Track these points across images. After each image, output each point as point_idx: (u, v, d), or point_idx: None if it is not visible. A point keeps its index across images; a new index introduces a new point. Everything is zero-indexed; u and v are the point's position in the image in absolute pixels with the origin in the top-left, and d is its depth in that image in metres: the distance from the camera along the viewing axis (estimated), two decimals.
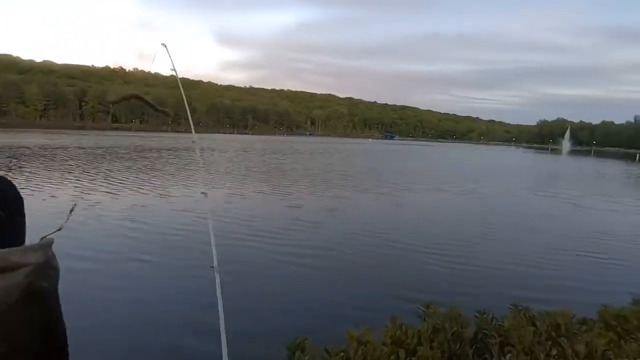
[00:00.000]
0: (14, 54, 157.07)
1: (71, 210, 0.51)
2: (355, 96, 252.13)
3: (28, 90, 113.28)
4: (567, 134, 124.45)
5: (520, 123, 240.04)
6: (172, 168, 20.31)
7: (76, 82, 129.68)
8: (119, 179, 14.99)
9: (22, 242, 0.44)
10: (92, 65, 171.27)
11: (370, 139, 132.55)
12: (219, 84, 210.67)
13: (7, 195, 0.44)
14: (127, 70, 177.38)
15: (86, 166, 18.97)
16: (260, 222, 8.88)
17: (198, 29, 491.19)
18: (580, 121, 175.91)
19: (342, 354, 2.40)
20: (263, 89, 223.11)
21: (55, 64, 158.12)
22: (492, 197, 15.72)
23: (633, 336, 2.88)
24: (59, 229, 0.40)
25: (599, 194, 18.74)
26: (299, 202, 12.21)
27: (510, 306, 4.30)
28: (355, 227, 9.18)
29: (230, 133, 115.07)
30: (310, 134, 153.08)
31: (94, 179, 14.70)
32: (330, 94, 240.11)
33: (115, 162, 21.78)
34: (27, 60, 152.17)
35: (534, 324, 3.79)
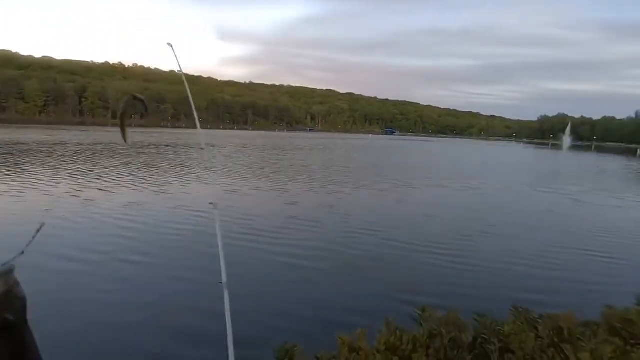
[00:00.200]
0: (13, 50, 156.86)
1: (37, 231, 0.46)
2: (356, 91, 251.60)
3: (28, 86, 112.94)
4: (568, 129, 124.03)
5: (521, 118, 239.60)
6: (168, 165, 20.17)
7: (76, 78, 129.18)
8: (116, 176, 14.85)
9: None
10: (92, 61, 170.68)
11: (370, 135, 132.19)
12: (219, 79, 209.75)
13: None
14: (126, 66, 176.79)
15: (83, 162, 18.83)
16: (256, 221, 8.73)
17: (198, 24, 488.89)
18: (581, 116, 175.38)
19: None
20: (263, 84, 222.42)
21: (55, 59, 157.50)
22: (493, 194, 15.57)
23: None
24: (21, 253, 0.38)
25: (600, 189, 18.59)
26: (296, 199, 12.07)
27: (511, 308, 4.17)
28: (353, 225, 9.03)
29: (230, 129, 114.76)
30: (310, 130, 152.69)
31: (89, 176, 14.55)
32: (330, 90, 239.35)
33: (114, 158, 21.62)
34: (27, 55, 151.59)
35: (535, 328, 3.64)
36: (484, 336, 3.41)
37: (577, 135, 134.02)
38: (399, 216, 10.56)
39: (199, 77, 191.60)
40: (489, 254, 7.31)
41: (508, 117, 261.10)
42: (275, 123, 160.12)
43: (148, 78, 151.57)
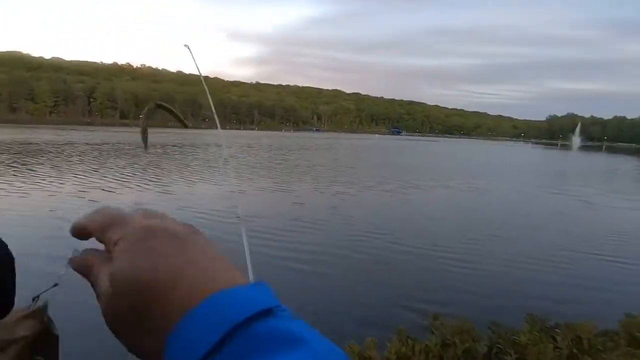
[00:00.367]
0: (24, 51, 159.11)
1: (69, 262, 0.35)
2: (362, 91, 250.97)
3: (38, 87, 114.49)
4: (578, 129, 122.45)
5: (529, 118, 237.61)
6: (173, 165, 20.19)
7: (85, 79, 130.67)
8: (121, 176, 14.88)
9: (10, 306, 0.37)
10: (101, 62, 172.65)
11: (376, 135, 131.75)
12: (225, 79, 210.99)
13: None
14: (134, 67, 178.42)
15: (90, 162, 18.93)
16: (257, 222, 8.60)
17: (206, 25, 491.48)
18: (591, 116, 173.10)
19: None
20: (269, 84, 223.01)
21: (64, 60, 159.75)
22: (501, 195, 15.30)
23: None
24: (55, 285, 0.33)
25: (612, 190, 18.22)
26: (301, 200, 11.96)
27: (526, 316, 4.00)
28: (358, 227, 8.89)
29: (237, 129, 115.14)
30: (316, 130, 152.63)
31: (95, 176, 14.60)
32: (336, 90, 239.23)
33: (120, 158, 21.73)
34: (37, 57, 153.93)
35: (553, 338, 3.48)
36: (500, 346, 3.26)
37: (587, 135, 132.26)
38: (405, 218, 10.40)
39: (206, 77, 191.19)
40: (499, 258, 7.12)
41: (515, 117, 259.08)
42: (281, 123, 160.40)
43: (156, 79, 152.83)
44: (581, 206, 13.86)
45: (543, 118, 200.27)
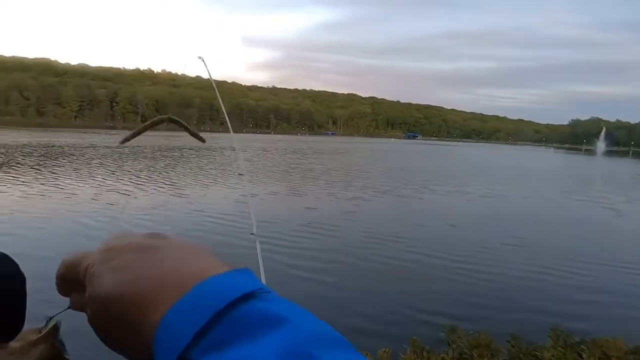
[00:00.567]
0: (52, 58, 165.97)
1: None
2: (378, 95, 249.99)
3: (64, 92, 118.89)
4: (602, 133, 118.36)
5: (551, 122, 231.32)
6: (190, 168, 20.46)
7: (108, 84, 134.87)
8: (137, 179, 15.15)
9: (19, 329, 0.36)
10: (123, 68, 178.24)
11: (392, 139, 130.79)
12: (243, 84, 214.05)
13: (3, 279, 0.36)
14: (155, 72, 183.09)
15: (109, 165, 19.38)
16: (271, 226, 8.53)
17: (224, 31, 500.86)
18: (617, 120, 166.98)
19: None
20: (286, 89, 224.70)
21: (89, 66, 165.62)
22: (522, 202, 14.81)
23: None
24: (69, 308, 0.33)
25: None
26: (314, 204, 11.87)
27: (549, 331, 3.77)
28: (372, 233, 8.71)
29: (253, 132, 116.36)
30: (332, 134, 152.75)
31: (112, 179, 14.92)
32: (352, 94, 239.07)
33: (137, 161, 22.18)
34: (64, 63, 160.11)
35: (579, 355, 3.25)
36: None
37: (612, 140, 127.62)
38: (420, 224, 10.14)
39: (224, 82, 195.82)
40: (520, 269, 6.81)
41: (537, 121, 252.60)
42: (297, 127, 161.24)
43: (175, 83, 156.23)
44: (608, 214, 13.27)
45: (566, 122, 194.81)
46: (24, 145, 29.85)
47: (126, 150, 29.27)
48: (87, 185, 12.95)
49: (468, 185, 18.15)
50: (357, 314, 4.82)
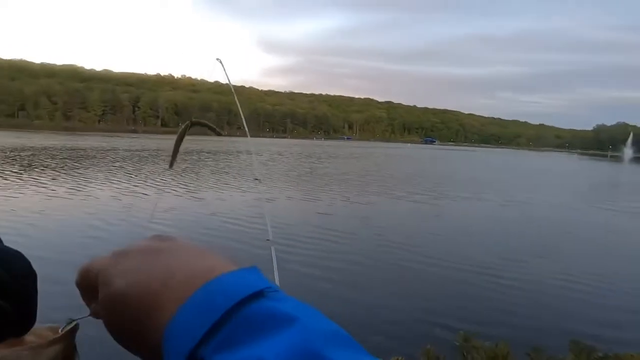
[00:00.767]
0: (78, 64, 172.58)
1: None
2: (395, 100, 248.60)
3: (90, 97, 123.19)
4: (630, 139, 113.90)
5: (574, 128, 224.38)
6: (208, 171, 20.75)
7: (131, 89, 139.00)
8: (155, 182, 15.47)
9: (31, 324, 0.37)
10: (145, 73, 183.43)
11: (409, 144, 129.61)
12: (260, 89, 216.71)
13: (16, 277, 0.36)
14: (175, 77, 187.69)
15: (129, 168, 19.88)
16: (285, 230, 8.53)
17: (241, 37, 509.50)
18: None
19: None
20: (302, 93, 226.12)
21: (113, 72, 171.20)
22: (543, 210, 14.34)
23: None
24: (90, 315, 0.33)
25: None
26: (328, 209, 11.81)
27: (570, 343, 3.60)
28: (387, 239, 8.60)
29: (270, 137, 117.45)
30: (348, 138, 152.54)
31: (132, 181, 15.27)
32: (368, 98, 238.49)
33: (157, 164, 22.66)
34: (89, 69, 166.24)
35: None
36: None
37: None
38: (436, 232, 9.93)
39: (242, 87, 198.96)
40: (540, 279, 6.57)
41: (559, 126, 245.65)
42: (313, 131, 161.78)
43: (195, 88, 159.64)
44: (636, 224, 12.70)
45: (590, 127, 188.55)
46: (50, 147, 31.02)
47: (145, 154, 30.00)
48: (107, 187, 13.31)
49: (487, 192, 17.74)
50: (370, 321, 4.74)
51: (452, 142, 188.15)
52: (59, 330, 0.36)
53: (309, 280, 5.85)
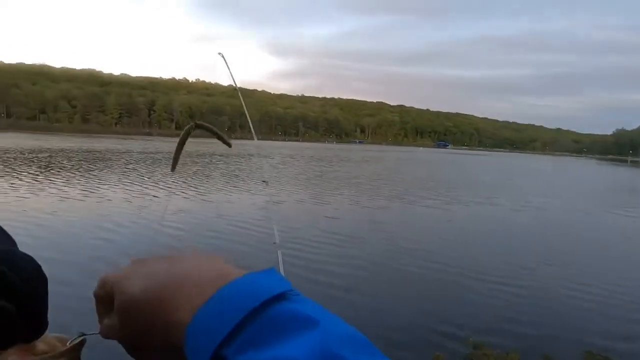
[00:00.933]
0: (97, 68, 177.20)
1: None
2: (407, 103, 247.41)
3: (107, 100, 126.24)
4: None
5: (592, 132, 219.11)
6: (219, 174, 20.89)
7: (146, 93, 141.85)
8: (167, 184, 15.63)
9: (43, 329, 0.37)
10: (160, 77, 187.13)
11: (421, 148, 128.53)
12: (272, 92, 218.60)
13: (26, 280, 0.36)
14: (190, 81, 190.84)
15: (142, 170, 20.17)
16: (293, 233, 8.46)
17: (255, 41, 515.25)
18: None
19: None
20: (314, 97, 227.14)
21: (130, 76, 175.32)
22: (558, 216, 13.94)
23: None
24: (99, 333, 0.34)
25: None
26: (338, 213, 11.70)
27: (584, 354, 3.44)
28: (397, 244, 8.45)
29: (281, 140, 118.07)
30: (359, 142, 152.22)
31: (146, 183, 15.47)
32: (380, 102, 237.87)
33: (169, 166, 22.90)
34: (107, 73, 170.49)
35: None
36: None
37: None
38: (448, 237, 9.72)
39: (254, 91, 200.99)
40: (553, 287, 6.33)
41: (577, 130, 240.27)
42: (324, 135, 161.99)
43: (209, 92, 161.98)
44: None
45: (609, 131, 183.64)
46: (67, 149, 31.79)
47: (159, 156, 30.44)
48: (119, 189, 13.50)
49: (501, 197, 17.37)
50: (379, 327, 4.62)
51: (466, 146, 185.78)
52: (67, 343, 0.36)
53: (315, 285, 5.76)
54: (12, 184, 13.20)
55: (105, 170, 18.94)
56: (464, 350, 3.82)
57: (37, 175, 15.75)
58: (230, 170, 23.04)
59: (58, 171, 17.50)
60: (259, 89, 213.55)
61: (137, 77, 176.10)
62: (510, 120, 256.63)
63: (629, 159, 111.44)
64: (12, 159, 21.33)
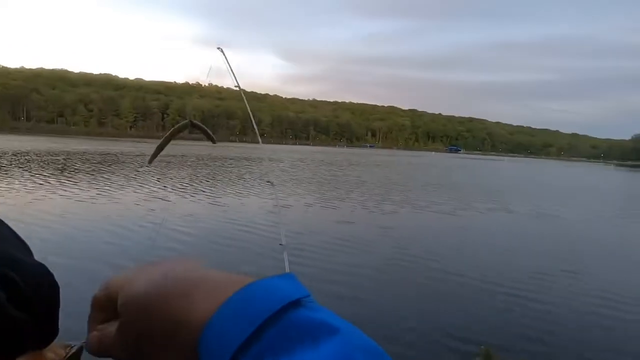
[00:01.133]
0: (113, 73, 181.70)
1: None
2: (419, 108, 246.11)
3: (122, 104, 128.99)
4: None
5: (610, 137, 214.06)
6: (229, 178, 21.02)
7: (160, 97, 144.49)
8: (176, 187, 15.77)
9: (54, 337, 0.37)
10: (174, 81, 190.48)
11: (433, 152, 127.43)
12: (283, 97, 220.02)
13: (39, 289, 0.37)
14: (203, 86, 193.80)
15: (155, 173, 20.42)
16: (301, 238, 8.40)
17: (264, 46, 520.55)
18: None
19: None
20: (325, 101, 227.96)
21: (144, 80, 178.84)
22: (576, 224, 13.55)
23: None
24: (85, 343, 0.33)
25: None
26: (348, 218, 11.59)
27: None
28: (407, 250, 8.30)
29: (293, 144, 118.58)
30: (370, 146, 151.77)
31: (156, 186, 15.64)
32: (392, 106, 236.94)
33: (181, 169, 23.22)
34: (123, 78, 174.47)
35: None
36: None
37: None
38: (459, 244, 9.51)
39: (266, 95, 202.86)
40: (569, 297, 6.11)
41: (593, 135, 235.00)
42: (335, 139, 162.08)
43: (221, 96, 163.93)
44: None
45: (628, 137, 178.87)
46: (82, 152, 32.48)
47: (172, 160, 30.84)
48: (131, 192, 13.67)
49: (515, 204, 17.00)
50: (387, 335, 4.51)
51: (479, 151, 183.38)
52: (69, 349, 0.36)
53: (322, 289, 5.68)
54: (25, 185, 13.51)
55: (117, 173, 19.25)
56: (474, 359, 3.70)
57: (50, 177, 16.08)
58: (241, 173, 23.17)
59: (73, 173, 17.86)
60: (271, 94, 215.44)
61: (151, 81, 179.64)
62: (525, 125, 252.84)
63: None
64: (28, 162, 21.90)
